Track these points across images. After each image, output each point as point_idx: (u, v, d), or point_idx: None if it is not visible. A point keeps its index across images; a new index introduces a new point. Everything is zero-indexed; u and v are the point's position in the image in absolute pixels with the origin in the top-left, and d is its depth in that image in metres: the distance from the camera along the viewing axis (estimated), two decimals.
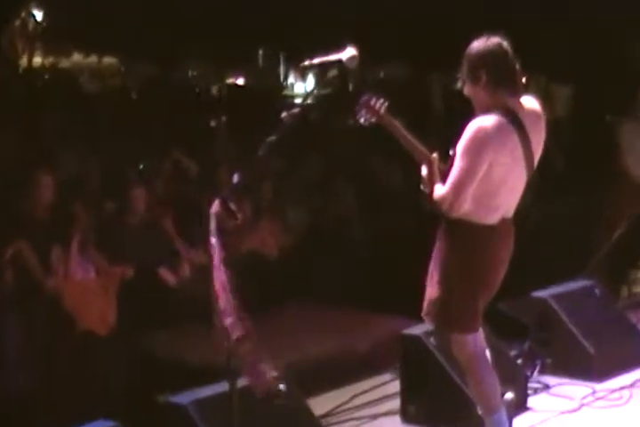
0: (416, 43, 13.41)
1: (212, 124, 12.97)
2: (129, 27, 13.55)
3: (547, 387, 5.78)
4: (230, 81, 17.52)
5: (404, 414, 5.38)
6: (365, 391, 5.75)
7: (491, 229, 4.31)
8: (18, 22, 14.81)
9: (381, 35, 12.73)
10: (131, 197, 7.74)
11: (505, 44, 4.28)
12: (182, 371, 6.12)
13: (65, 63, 16.08)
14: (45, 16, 15.17)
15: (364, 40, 4.64)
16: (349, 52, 3.95)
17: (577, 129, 11.75)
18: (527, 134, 4.25)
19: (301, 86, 18.87)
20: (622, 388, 5.69)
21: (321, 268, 8.30)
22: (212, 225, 3.76)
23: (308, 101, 4.34)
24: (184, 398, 4.46)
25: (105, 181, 8.62)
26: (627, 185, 8.13)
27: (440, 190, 4.25)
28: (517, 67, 4.29)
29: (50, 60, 15.64)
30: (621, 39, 11.87)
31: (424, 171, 4.40)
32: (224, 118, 13.36)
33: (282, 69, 18.77)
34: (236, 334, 3.70)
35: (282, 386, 4.71)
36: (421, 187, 4.41)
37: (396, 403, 5.47)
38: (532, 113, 4.34)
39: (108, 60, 16.56)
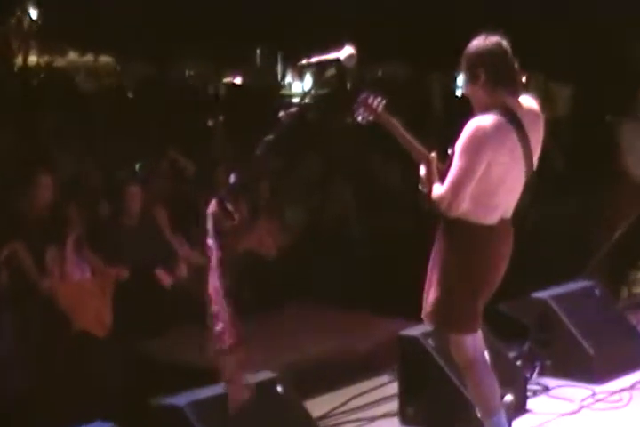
0: (415, 42, 13.40)
1: (210, 123, 12.97)
2: (125, 25, 13.52)
3: (546, 389, 5.75)
4: (227, 80, 17.51)
5: (403, 416, 5.34)
6: (363, 393, 5.72)
7: (490, 229, 4.29)
8: (13, 21, 14.79)
9: (379, 33, 12.72)
10: (126, 197, 7.72)
11: (504, 42, 4.27)
12: (179, 372, 6.09)
13: (60, 62, 16.05)
14: (41, 14, 15.15)
15: (362, 39, 4.62)
16: (347, 51, 3.93)
17: (577, 129, 11.76)
18: (526, 134, 4.23)
19: (299, 85, 18.84)
20: (622, 390, 5.66)
21: (319, 268, 8.29)
22: (209, 225, 3.73)
23: (306, 101, 4.31)
24: (180, 399, 4.43)
25: (101, 181, 8.60)
26: (627, 185, 8.13)
27: (438, 190, 4.23)
28: (516, 66, 4.27)
29: (45, 58, 15.62)
30: (621, 39, 11.87)
31: (422, 170, 4.38)
32: (221, 118, 13.35)
33: (279, 68, 18.76)
34: (226, 341, 3.67)
35: (279, 388, 4.71)
36: (420, 186, 4.39)
37: (394, 405, 5.43)
38: (531, 112, 4.32)
39: (105, 59, 16.52)
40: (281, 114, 3.84)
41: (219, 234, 3.72)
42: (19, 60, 15.09)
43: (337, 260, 8.48)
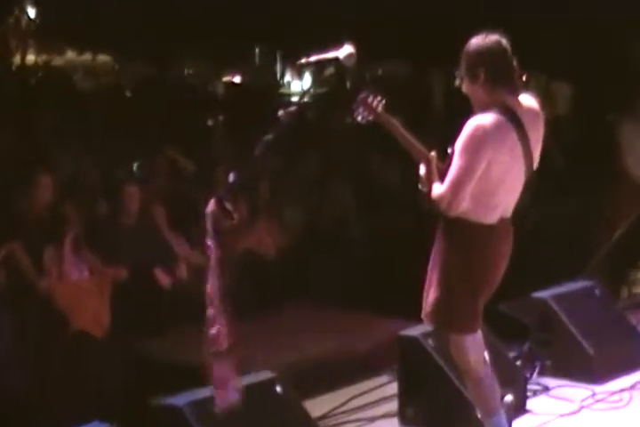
0: (415, 40, 13.38)
1: (209, 122, 12.95)
2: (123, 24, 13.50)
3: (546, 389, 5.74)
4: (227, 79, 17.49)
5: (402, 416, 5.33)
6: (363, 393, 5.70)
7: (489, 228, 4.27)
8: (11, 19, 14.77)
9: (379, 32, 12.70)
10: (125, 196, 7.70)
11: (503, 41, 4.25)
12: (177, 372, 6.07)
13: (58, 61, 16.03)
14: (39, 13, 15.12)
15: (362, 38, 4.60)
16: (346, 50, 3.92)
17: (577, 128, 11.75)
18: (526, 132, 4.22)
19: (298, 84, 18.83)
20: (622, 390, 5.65)
21: (319, 267, 8.27)
22: (208, 225, 3.72)
23: (305, 100, 4.30)
24: (179, 399, 4.42)
25: (99, 180, 8.58)
26: (627, 185, 8.14)
27: (438, 189, 4.22)
28: (515, 64, 4.25)
29: (43, 57, 15.59)
30: (621, 39, 11.86)
31: (422, 170, 4.37)
32: (220, 117, 13.33)
33: (278, 67, 18.74)
34: (221, 343, 3.65)
35: (278, 388, 4.70)
36: (419, 186, 4.38)
37: (393, 405, 5.42)
38: (531, 111, 4.31)
39: (103, 57, 16.50)
40: (280, 113, 3.83)
41: (218, 234, 3.70)
42: (17, 59, 15.06)
43: (336, 259, 8.46)
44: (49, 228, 7.06)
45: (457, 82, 4.33)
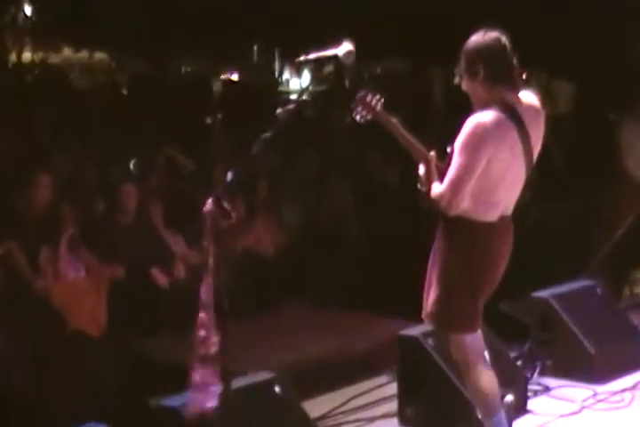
0: (414, 38, 13.35)
1: (207, 120, 12.92)
2: (120, 22, 13.46)
3: (547, 389, 5.72)
4: (224, 77, 17.45)
5: (402, 416, 5.31)
6: (362, 393, 5.69)
7: (490, 226, 4.25)
8: (7, 17, 14.74)
9: (379, 30, 12.67)
10: (122, 195, 7.67)
11: (503, 38, 4.23)
12: (175, 373, 6.03)
13: (55, 59, 15.99)
14: (35, 10, 15.09)
15: (361, 35, 4.56)
16: (346, 48, 3.89)
17: (577, 128, 11.76)
18: (526, 130, 4.20)
19: (297, 82, 18.80)
20: (624, 390, 5.62)
21: (318, 267, 8.25)
22: (206, 224, 3.68)
23: (304, 98, 4.26)
24: (177, 400, 4.38)
25: (96, 178, 8.55)
26: (627, 185, 8.14)
27: (438, 188, 4.20)
28: (515, 61, 4.22)
29: (40, 55, 15.56)
30: (621, 39, 11.86)
31: (421, 169, 4.34)
32: (219, 115, 13.30)
33: (277, 65, 18.70)
34: (209, 347, 3.61)
35: (277, 388, 4.67)
36: (418, 186, 4.35)
37: (393, 405, 5.40)
38: (531, 108, 4.29)
39: (99, 55, 16.45)
40: (278, 111, 3.80)
41: (215, 233, 3.66)
42: (13, 57, 15.03)
43: (335, 259, 8.44)
44: (46, 227, 7.03)
45: (456, 79, 4.31)
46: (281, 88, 18.46)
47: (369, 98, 4.39)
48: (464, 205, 4.15)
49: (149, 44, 14.56)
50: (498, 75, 4.18)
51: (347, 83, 13.91)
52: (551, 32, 12.25)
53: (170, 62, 16.09)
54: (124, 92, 15.04)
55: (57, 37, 15.40)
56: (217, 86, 16.35)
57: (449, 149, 4.21)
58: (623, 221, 7.54)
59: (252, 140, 3.77)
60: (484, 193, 4.16)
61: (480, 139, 4.08)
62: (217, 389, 3.66)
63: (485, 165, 4.10)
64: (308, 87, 4.18)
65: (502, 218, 4.29)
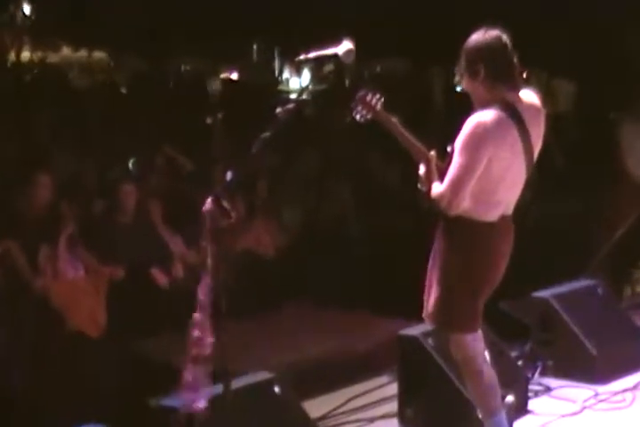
0: (414, 37, 13.34)
1: (206, 119, 12.89)
2: (120, 21, 13.45)
3: (548, 389, 5.71)
4: (224, 76, 17.43)
5: (402, 417, 5.30)
6: (362, 394, 5.69)
7: (490, 226, 4.25)
8: (6, 16, 14.72)
9: (379, 29, 12.65)
10: (121, 194, 7.66)
11: (504, 37, 4.23)
12: (175, 373, 6.02)
13: (54, 58, 15.97)
14: (34, 10, 15.08)
15: (361, 34, 4.54)
16: (346, 46, 3.87)
17: (578, 128, 11.76)
18: (527, 129, 4.20)
19: (296, 81, 18.78)
20: (625, 390, 5.62)
21: (318, 267, 8.24)
22: (205, 224, 3.67)
23: (304, 97, 4.24)
24: (176, 400, 4.36)
25: (95, 178, 8.54)
26: (627, 185, 8.14)
27: (438, 188, 4.20)
28: (516, 60, 4.21)
29: (38, 54, 15.54)
30: (621, 39, 11.86)
31: (421, 169, 4.33)
32: (218, 114, 13.27)
33: (277, 64, 18.68)
34: (203, 348, 3.59)
35: (276, 388, 4.66)
36: (419, 186, 4.34)
37: (393, 406, 5.39)
38: (532, 107, 4.28)
39: (99, 54, 16.43)
40: (278, 110, 3.78)
41: (215, 233, 3.65)
42: (12, 57, 15.01)
43: (335, 259, 8.44)
44: (46, 226, 7.02)
45: (456, 78, 4.30)
46: (281, 87, 18.44)
47: (369, 97, 4.39)
48: (464, 204, 4.14)
49: (148, 44, 14.54)
50: (498, 74, 4.17)
51: (347, 82, 13.90)
52: (551, 31, 12.24)
53: (169, 61, 16.07)
54: (124, 91, 15.02)
55: (56, 36, 15.38)
56: (216, 85, 16.33)
57: (449, 149, 4.20)
58: (623, 221, 7.54)
59: (251, 139, 3.75)
60: (484, 193, 4.16)
61: (480, 138, 4.07)
62: (208, 389, 3.65)
63: (486, 164, 4.09)
64: (307, 86, 4.18)
65: (503, 218, 4.29)
